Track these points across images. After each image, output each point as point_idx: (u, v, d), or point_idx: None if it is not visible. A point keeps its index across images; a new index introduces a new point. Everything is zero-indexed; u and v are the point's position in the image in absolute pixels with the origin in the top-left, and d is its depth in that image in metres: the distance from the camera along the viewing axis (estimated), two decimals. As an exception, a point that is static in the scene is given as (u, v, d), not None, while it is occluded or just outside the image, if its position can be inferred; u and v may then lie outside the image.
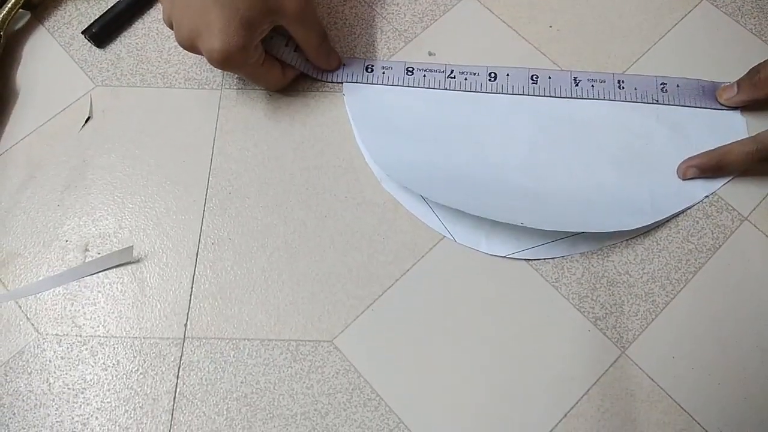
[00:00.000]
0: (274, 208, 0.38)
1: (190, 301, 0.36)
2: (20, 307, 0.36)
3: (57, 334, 0.35)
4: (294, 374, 0.34)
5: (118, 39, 0.43)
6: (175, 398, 0.34)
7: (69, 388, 0.34)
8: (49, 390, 0.34)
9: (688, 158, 0.39)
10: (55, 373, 0.35)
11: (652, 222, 0.38)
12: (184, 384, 0.34)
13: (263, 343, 0.35)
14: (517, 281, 0.36)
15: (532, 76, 0.42)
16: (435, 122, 0.41)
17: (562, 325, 0.36)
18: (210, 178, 0.39)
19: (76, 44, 0.43)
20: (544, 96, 0.41)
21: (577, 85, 0.42)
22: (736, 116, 0.41)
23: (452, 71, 0.42)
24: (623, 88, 0.42)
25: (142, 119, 0.41)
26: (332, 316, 0.36)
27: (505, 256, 0.37)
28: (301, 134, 0.40)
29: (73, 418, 0.34)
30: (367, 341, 0.35)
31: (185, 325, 0.35)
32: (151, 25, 0.44)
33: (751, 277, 0.37)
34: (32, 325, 0.36)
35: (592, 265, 0.37)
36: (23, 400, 0.34)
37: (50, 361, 0.35)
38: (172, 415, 0.34)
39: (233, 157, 0.40)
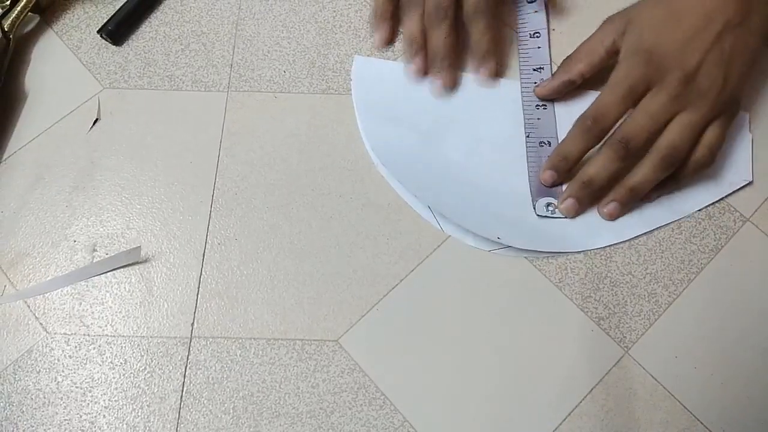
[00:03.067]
0: (280, 208, 0.39)
1: (196, 300, 0.36)
2: (29, 306, 0.36)
3: (65, 334, 0.36)
4: (299, 373, 0.35)
5: (126, 42, 0.44)
6: (182, 397, 0.34)
7: (77, 387, 0.35)
8: (58, 388, 0.34)
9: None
10: (63, 371, 0.35)
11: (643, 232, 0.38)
12: (190, 383, 0.34)
13: (269, 342, 0.35)
14: (520, 281, 0.37)
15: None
16: (435, 112, 0.41)
17: (565, 325, 0.36)
18: (216, 180, 0.39)
19: (84, 47, 0.43)
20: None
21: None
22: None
23: None
24: None
25: (149, 121, 0.41)
26: (337, 316, 0.36)
27: (489, 251, 0.37)
28: (307, 136, 0.41)
29: (81, 417, 0.34)
30: (371, 341, 0.35)
31: (192, 324, 0.36)
32: (158, 28, 0.44)
33: (753, 278, 0.37)
34: (41, 324, 0.36)
35: (595, 266, 0.37)
36: (32, 399, 0.34)
37: (58, 360, 0.35)
38: (179, 413, 0.34)
39: (239, 158, 0.40)
